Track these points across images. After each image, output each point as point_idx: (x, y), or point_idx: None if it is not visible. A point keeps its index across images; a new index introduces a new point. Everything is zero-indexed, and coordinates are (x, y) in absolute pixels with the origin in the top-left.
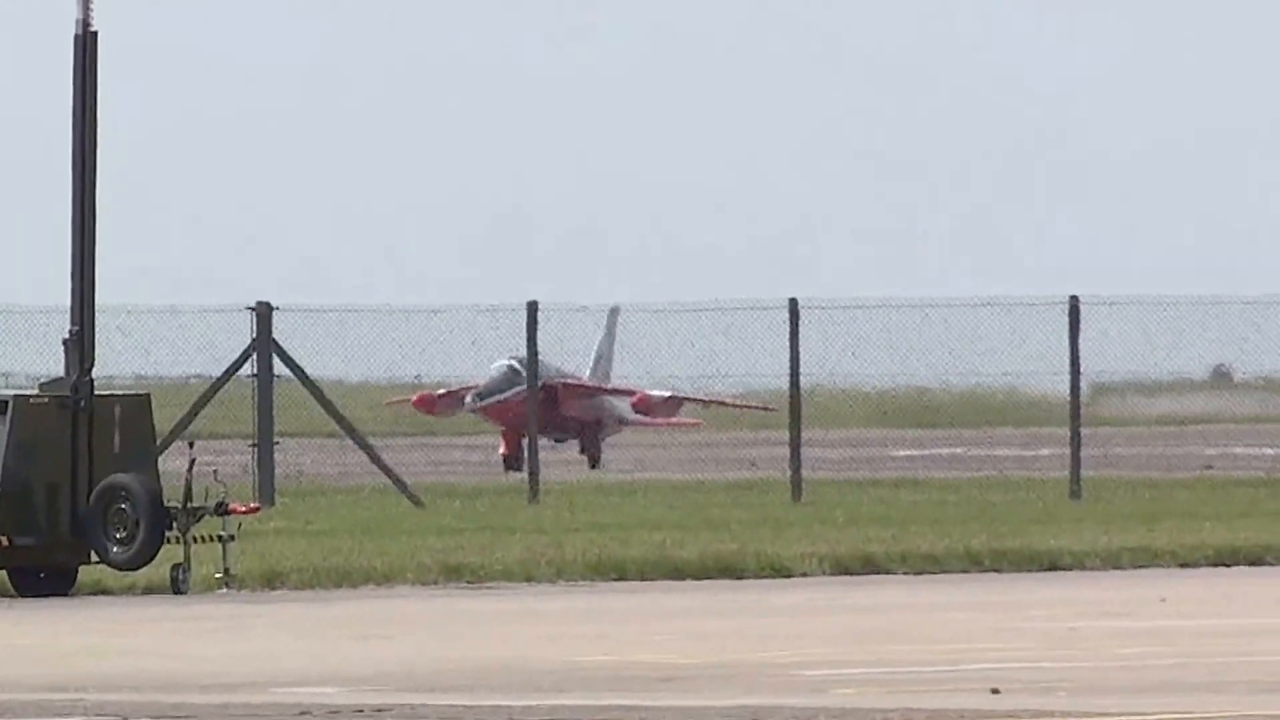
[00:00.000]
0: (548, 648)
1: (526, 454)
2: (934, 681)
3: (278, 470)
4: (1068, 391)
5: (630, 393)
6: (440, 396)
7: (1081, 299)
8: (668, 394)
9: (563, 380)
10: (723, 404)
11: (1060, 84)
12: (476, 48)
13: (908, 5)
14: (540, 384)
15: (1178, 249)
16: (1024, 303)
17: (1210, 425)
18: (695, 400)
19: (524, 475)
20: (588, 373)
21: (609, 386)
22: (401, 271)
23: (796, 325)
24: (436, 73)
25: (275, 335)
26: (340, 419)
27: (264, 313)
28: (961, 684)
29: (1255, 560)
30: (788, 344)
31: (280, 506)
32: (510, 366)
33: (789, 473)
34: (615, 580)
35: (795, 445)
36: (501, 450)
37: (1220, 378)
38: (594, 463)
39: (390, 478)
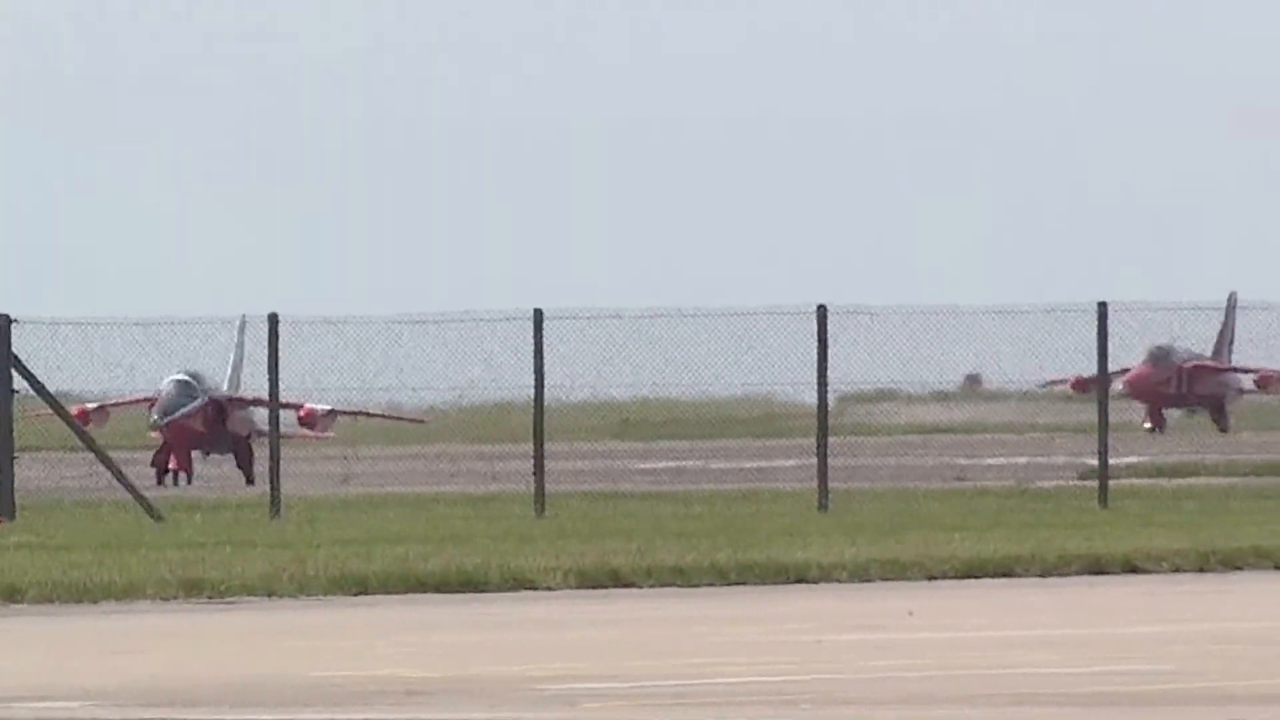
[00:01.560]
0: (290, 662)
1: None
2: (680, 695)
3: (18, 484)
4: (815, 402)
5: (296, 406)
6: (94, 410)
7: (830, 308)
8: (328, 408)
9: (228, 395)
10: (371, 415)
11: (793, 84)
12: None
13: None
14: (208, 399)
15: (931, 258)
16: (773, 312)
17: (962, 435)
18: (348, 413)
19: (255, 489)
20: (224, 384)
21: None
22: (152, 282)
23: (541, 335)
24: (163, 75)
25: (15, 349)
26: (81, 433)
27: (2, 325)
28: (707, 698)
29: (1004, 572)
30: (533, 355)
31: (21, 521)
32: (181, 381)
33: (532, 486)
34: (357, 594)
35: (539, 458)
36: (172, 464)
37: (972, 387)
38: (250, 479)
39: (131, 493)
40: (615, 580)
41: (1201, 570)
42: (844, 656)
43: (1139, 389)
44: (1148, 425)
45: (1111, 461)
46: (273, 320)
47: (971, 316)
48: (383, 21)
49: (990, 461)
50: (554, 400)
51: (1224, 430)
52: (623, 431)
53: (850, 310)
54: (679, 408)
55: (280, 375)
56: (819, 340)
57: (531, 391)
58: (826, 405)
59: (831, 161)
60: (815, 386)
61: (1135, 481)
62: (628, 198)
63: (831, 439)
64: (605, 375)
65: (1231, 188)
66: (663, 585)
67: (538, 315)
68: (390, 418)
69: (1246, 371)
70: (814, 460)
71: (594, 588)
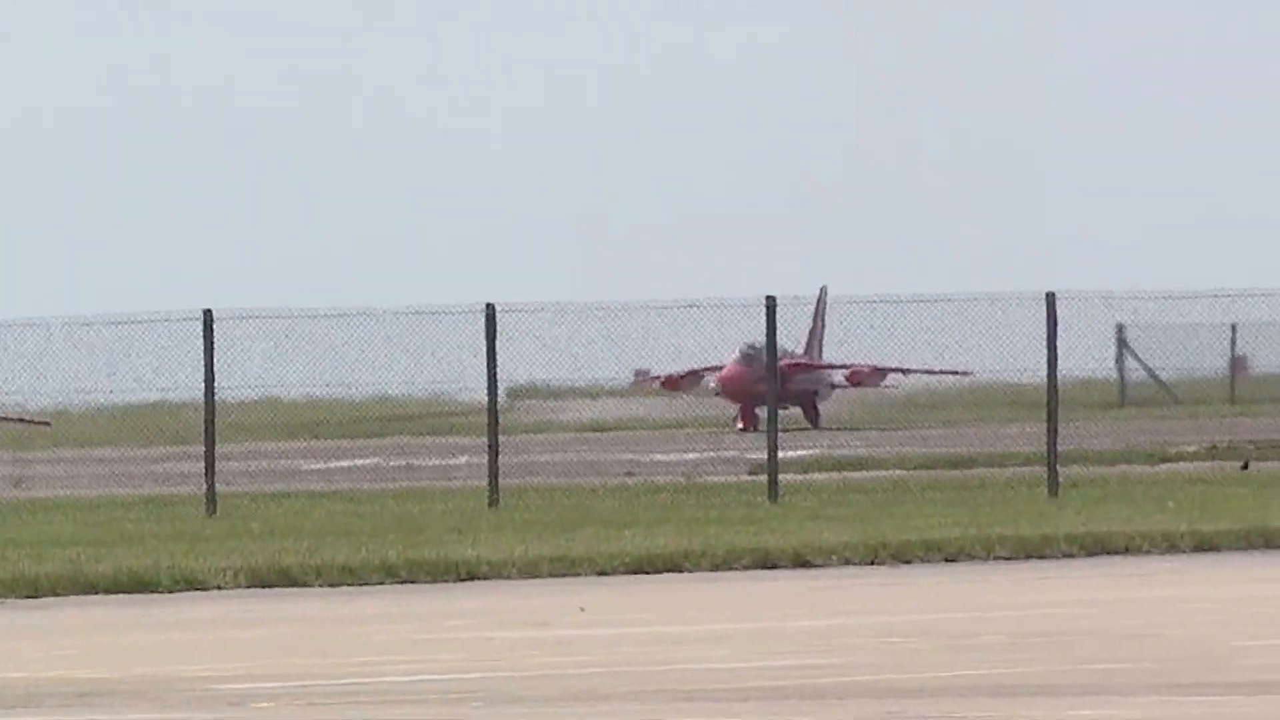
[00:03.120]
0: None
1: None
2: (350, 693)
3: None
4: (485, 399)
5: None
6: None
7: (498, 306)
8: None
9: None
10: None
11: (419, 76)
12: None
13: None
14: None
15: (590, 256)
16: (440, 311)
17: (631, 431)
18: None
19: None
20: None
21: None
22: None
23: (211, 336)
24: None
25: None
26: None
27: None
28: (377, 696)
29: (674, 567)
30: (204, 355)
31: None
32: None
33: (204, 487)
34: (28, 596)
35: (209, 458)
36: None
37: (643, 383)
38: None
39: None
40: (286, 580)
41: (871, 563)
42: (513, 653)
43: (732, 387)
44: (740, 425)
45: (781, 455)
46: None
47: (641, 312)
48: None
49: (660, 457)
50: (225, 400)
51: (816, 426)
52: (295, 431)
53: (520, 309)
54: (351, 407)
55: None
56: (488, 339)
57: (202, 392)
58: (497, 402)
59: (476, 160)
60: (485, 384)
61: (805, 476)
62: (297, 198)
63: (502, 437)
64: (277, 375)
65: (828, 186)
66: (333, 584)
67: (207, 316)
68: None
69: (838, 367)
70: (485, 458)
71: (265, 587)
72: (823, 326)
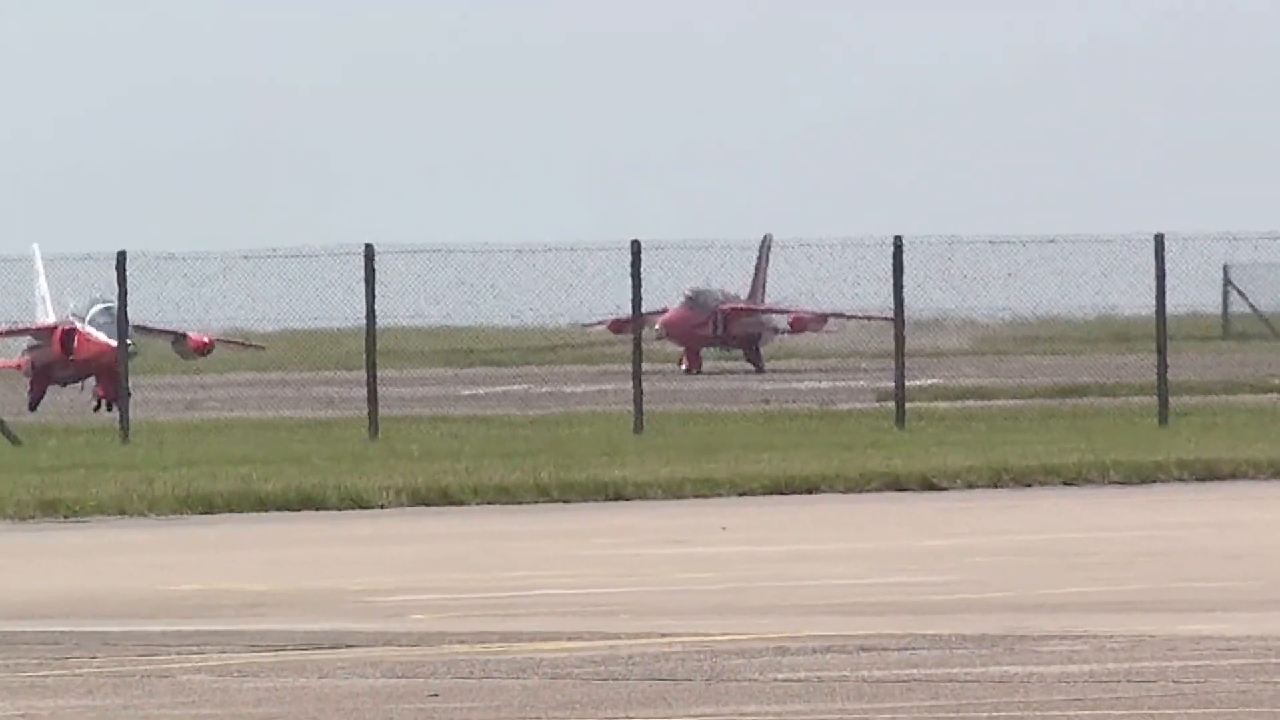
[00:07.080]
0: (140, 577)
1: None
2: (504, 606)
3: None
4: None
5: (182, 335)
6: None
7: (644, 244)
8: (206, 338)
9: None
10: (245, 345)
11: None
12: None
13: None
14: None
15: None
16: (590, 248)
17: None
18: (229, 343)
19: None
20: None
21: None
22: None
23: (372, 268)
24: None
25: None
26: None
27: None
28: (529, 609)
29: (809, 489)
30: (364, 286)
31: None
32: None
33: (367, 410)
34: (203, 513)
35: (372, 384)
36: (100, 392)
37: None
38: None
39: None
40: (445, 499)
41: (994, 486)
42: (658, 569)
43: (676, 331)
44: (684, 366)
45: (908, 384)
46: (121, 258)
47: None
48: None
49: (795, 386)
50: (387, 329)
51: (759, 370)
52: (449, 359)
53: (661, 245)
54: (504, 336)
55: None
56: (633, 276)
57: (364, 320)
58: (640, 337)
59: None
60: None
61: (930, 404)
62: (448, 142)
63: (646, 365)
64: (436, 306)
65: (766, 132)
66: (489, 503)
67: (369, 250)
68: (236, 344)
69: (781, 312)
70: (630, 386)
71: (425, 505)
72: (765, 272)
